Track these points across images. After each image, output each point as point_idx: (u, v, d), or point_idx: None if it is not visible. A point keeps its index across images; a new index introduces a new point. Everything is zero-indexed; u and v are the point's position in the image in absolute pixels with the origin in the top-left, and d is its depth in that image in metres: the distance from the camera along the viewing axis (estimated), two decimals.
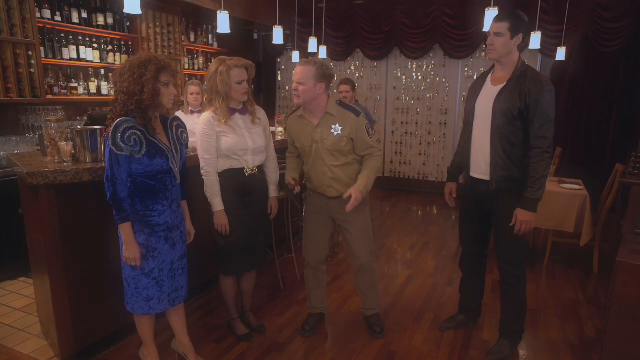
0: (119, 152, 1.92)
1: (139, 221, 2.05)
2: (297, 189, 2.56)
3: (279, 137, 3.83)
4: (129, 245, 2.02)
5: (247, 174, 2.47)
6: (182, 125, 2.23)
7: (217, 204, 2.41)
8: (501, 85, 2.31)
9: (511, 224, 2.32)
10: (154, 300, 2.15)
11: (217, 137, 2.38)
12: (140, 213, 2.04)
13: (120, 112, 1.97)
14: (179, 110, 4.07)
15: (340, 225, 2.66)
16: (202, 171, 2.41)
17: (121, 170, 1.94)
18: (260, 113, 2.59)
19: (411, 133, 7.06)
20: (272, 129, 3.29)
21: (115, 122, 1.92)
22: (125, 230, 2.01)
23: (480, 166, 2.42)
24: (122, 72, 1.98)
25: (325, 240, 2.73)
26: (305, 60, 2.45)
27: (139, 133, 1.96)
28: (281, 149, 2.90)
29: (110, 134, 1.92)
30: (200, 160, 2.41)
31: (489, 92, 2.36)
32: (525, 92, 2.21)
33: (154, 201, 2.06)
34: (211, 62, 2.42)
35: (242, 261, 2.59)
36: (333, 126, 2.46)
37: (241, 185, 2.46)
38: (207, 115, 2.40)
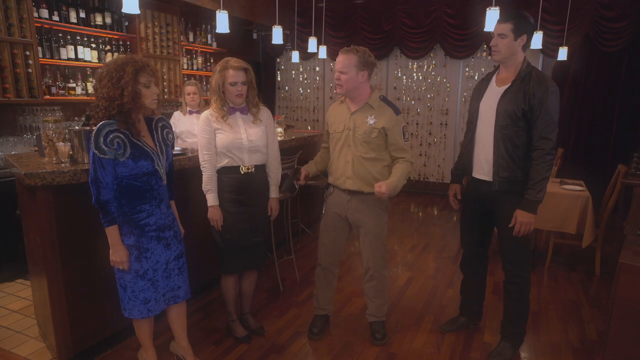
0: (102, 156, 1.90)
1: (127, 223, 2.03)
2: (302, 182, 2.58)
3: (279, 138, 3.80)
4: (115, 248, 2.00)
5: (242, 172, 2.47)
6: (167, 126, 2.21)
7: (211, 199, 2.45)
8: (505, 86, 2.30)
9: (510, 225, 2.31)
10: (151, 302, 2.13)
11: (214, 134, 2.43)
12: (129, 214, 2.02)
13: (103, 117, 1.94)
14: (177, 110, 4.06)
15: (354, 228, 2.63)
16: (201, 167, 2.46)
17: (106, 174, 1.92)
18: (264, 114, 2.58)
19: (412, 134, 7.03)
20: None
21: (98, 125, 1.90)
22: (111, 233, 1.99)
23: (483, 167, 2.41)
24: (101, 78, 1.95)
25: (339, 243, 2.68)
26: (347, 48, 2.48)
27: (122, 136, 1.94)
28: (281, 150, 2.88)
29: (92, 138, 1.89)
30: (199, 155, 2.47)
31: (494, 93, 2.35)
32: (530, 93, 2.20)
33: (141, 201, 2.04)
34: (210, 62, 2.44)
35: (241, 260, 2.57)
36: (369, 116, 2.47)
37: (237, 183, 2.46)
38: (205, 112, 2.48)
